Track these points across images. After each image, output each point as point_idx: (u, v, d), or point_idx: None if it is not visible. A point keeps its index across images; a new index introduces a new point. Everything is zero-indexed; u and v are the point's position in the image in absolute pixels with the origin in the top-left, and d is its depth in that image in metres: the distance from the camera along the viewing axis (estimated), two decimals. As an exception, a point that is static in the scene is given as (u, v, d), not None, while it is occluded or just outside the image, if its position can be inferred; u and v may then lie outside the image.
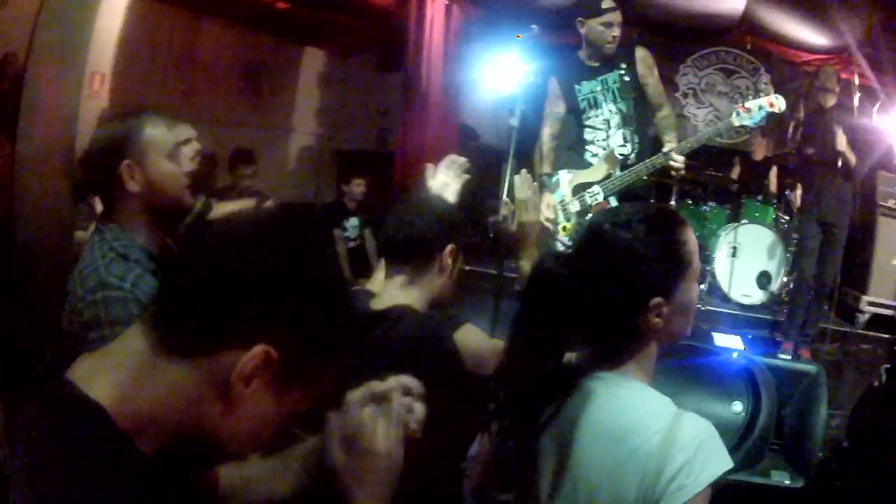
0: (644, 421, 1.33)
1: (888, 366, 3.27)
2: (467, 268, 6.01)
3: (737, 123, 3.98)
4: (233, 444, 0.99)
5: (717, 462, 1.27)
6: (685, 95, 9.36)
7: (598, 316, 1.43)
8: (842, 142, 5.32)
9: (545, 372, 1.43)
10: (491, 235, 6.82)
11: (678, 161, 3.86)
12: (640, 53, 4.22)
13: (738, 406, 2.14)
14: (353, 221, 6.64)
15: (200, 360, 0.90)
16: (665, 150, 3.94)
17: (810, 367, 2.73)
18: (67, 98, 4.80)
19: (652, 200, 7.56)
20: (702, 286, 6.52)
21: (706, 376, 2.25)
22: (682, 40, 9.37)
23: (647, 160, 3.96)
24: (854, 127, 5.56)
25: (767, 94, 8.93)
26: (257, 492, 1.28)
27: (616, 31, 4.09)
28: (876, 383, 3.24)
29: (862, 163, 5.62)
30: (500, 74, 4.42)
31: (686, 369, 2.24)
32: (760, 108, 3.90)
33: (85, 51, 5.04)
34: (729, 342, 5.48)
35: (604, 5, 4.06)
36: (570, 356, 1.52)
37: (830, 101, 5.63)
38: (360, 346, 1.58)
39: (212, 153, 5.59)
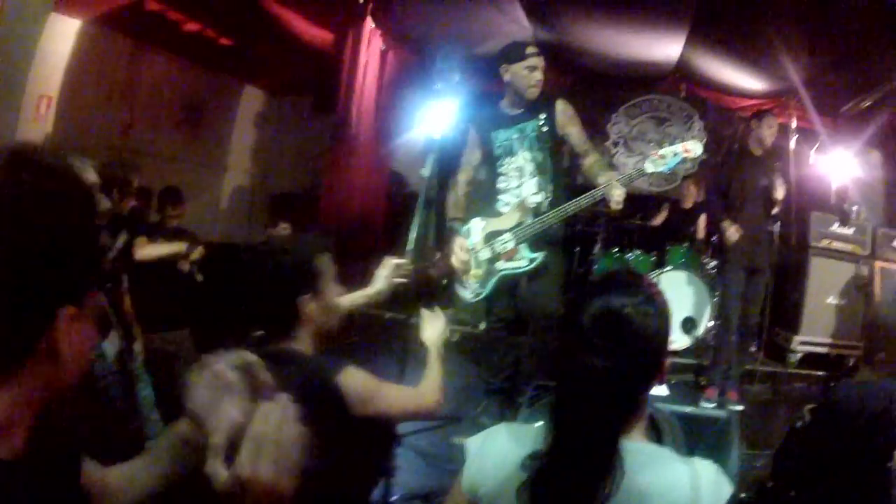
0: (670, 484, 1.47)
1: (812, 406, 3.27)
2: (388, 315, 6.00)
3: (650, 170, 4.02)
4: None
5: (725, 492, 1.46)
6: (615, 144, 9.54)
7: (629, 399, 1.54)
8: (776, 188, 5.42)
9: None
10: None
11: (617, 193, 3.90)
12: (561, 105, 4.29)
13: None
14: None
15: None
16: (612, 182, 3.96)
17: (720, 413, 2.75)
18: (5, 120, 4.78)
19: (578, 250, 7.69)
20: None
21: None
22: (615, 88, 9.54)
23: (585, 195, 4.01)
24: (784, 170, 5.62)
25: (700, 140, 9.30)
26: (133, 488, 1.32)
27: (539, 76, 4.19)
28: (799, 423, 3.23)
29: (788, 205, 5.68)
30: (430, 122, 4.45)
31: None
32: (675, 154, 3.98)
33: (26, 73, 5.04)
34: (652, 389, 5.50)
35: (527, 51, 4.18)
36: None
37: (763, 148, 5.70)
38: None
39: (148, 188, 5.57)
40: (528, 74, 4.15)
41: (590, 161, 4.27)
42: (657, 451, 1.55)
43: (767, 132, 5.65)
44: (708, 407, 5.29)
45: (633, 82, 9.45)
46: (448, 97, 4.29)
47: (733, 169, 5.81)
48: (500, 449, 1.58)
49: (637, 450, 1.47)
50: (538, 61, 4.19)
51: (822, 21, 6.51)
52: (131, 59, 6.72)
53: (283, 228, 6.55)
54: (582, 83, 9.24)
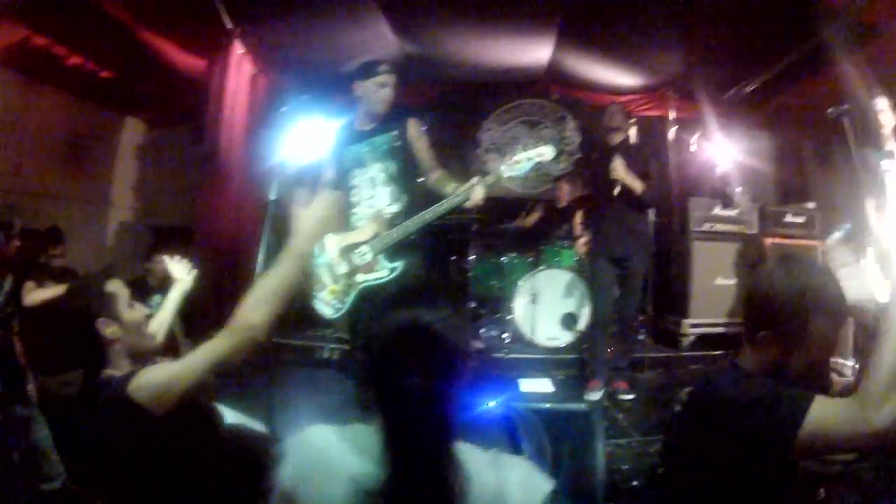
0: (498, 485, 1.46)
1: (690, 388, 3.34)
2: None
3: (505, 175, 4.12)
4: None
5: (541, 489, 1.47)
6: (487, 151, 9.63)
7: None
8: (620, 174, 5.43)
9: None
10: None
11: (479, 193, 3.98)
12: (411, 122, 4.34)
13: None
14: (157, 298, 6.36)
15: None
16: (472, 182, 4.04)
17: (581, 407, 2.78)
18: None
19: (453, 258, 7.74)
20: (504, 335, 6.71)
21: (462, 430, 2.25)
22: (486, 96, 9.64)
23: (430, 208, 4.05)
24: (648, 159, 5.70)
25: (573, 141, 9.46)
26: None
27: (388, 93, 4.26)
28: (678, 408, 3.30)
29: (655, 193, 5.72)
30: (300, 145, 4.46)
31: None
32: (529, 159, 4.12)
33: None
34: (536, 387, 5.59)
35: (379, 68, 4.25)
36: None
37: (617, 138, 5.74)
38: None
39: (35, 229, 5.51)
40: (378, 91, 4.23)
41: (434, 177, 4.35)
42: (477, 452, 1.54)
43: (612, 122, 5.73)
44: (592, 399, 5.33)
45: (504, 88, 9.56)
46: (300, 118, 4.32)
47: (595, 166, 5.88)
48: (320, 452, 1.55)
49: (465, 451, 1.50)
50: (388, 78, 4.26)
51: (699, 10, 6.65)
52: (21, 96, 6.53)
53: (158, 262, 6.43)
54: (452, 93, 9.32)
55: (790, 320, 1.91)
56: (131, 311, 2.49)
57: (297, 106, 4.25)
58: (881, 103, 4.90)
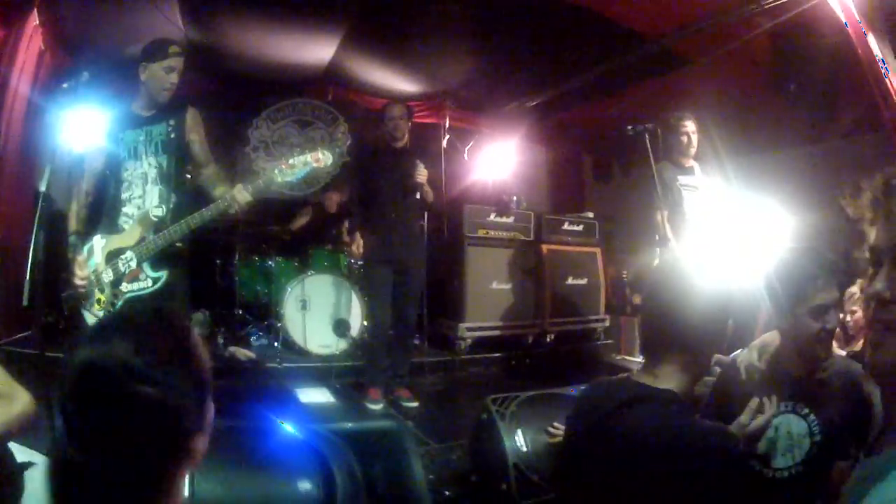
0: None
1: (494, 397, 3.24)
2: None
3: (279, 180, 3.90)
4: None
5: None
6: (255, 149, 9.32)
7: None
8: (423, 179, 5.40)
9: None
10: (66, 313, 6.18)
11: (244, 197, 3.73)
12: (191, 112, 4.08)
13: (307, 484, 1.84)
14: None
15: None
16: (238, 189, 3.77)
17: (390, 425, 2.60)
18: None
19: (218, 261, 7.35)
20: (276, 343, 6.44)
21: (266, 461, 1.94)
22: (261, 93, 9.34)
23: (197, 212, 3.75)
24: (436, 166, 5.68)
25: (343, 143, 9.36)
26: None
27: (175, 78, 3.95)
28: (484, 416, 3.19)
29: (434, 200, 5.71)
30: (75, 131, 3.97)
31: (236, 455, 1.89)
32: (306, 163, 3.94)
33: None
34: (315, 397, 5.36)
35: (170, 50, 3.94)
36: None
37: (397, 140, 5.67)
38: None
39: None
40: (165, 76, 3.90)
41: (208, 172, 4.10)
42: None
43: (391, 123, 5.64)
44: (374, 409, 5.22)
45: (281, 86, 9.32)
46: (79, 99, 3.84)
47: (370, 168, 5.75)
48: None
49: None
50: (177, 62, 3.96)
51: (491, 24, 6.73)
52: None
53: None
54: (226, 86, 8.91)
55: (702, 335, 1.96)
56: None
57: (78, 86, 3.72)
58: (689, 125, 5.14)
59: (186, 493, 1.59)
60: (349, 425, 2.67)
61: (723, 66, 6.10)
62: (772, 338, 2.50)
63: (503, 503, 2.87)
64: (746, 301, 2.52)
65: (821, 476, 2.26)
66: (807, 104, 5.42)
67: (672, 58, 6.35)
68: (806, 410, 2.36)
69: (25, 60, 6.15)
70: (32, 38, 6.21)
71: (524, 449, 2.90)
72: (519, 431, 2.94)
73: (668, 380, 1.94)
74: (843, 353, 2.70)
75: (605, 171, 10.10)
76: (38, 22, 6.22)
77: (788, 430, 2.36)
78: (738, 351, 2.56)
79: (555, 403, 3.15)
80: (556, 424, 2.84)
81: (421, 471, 2.35)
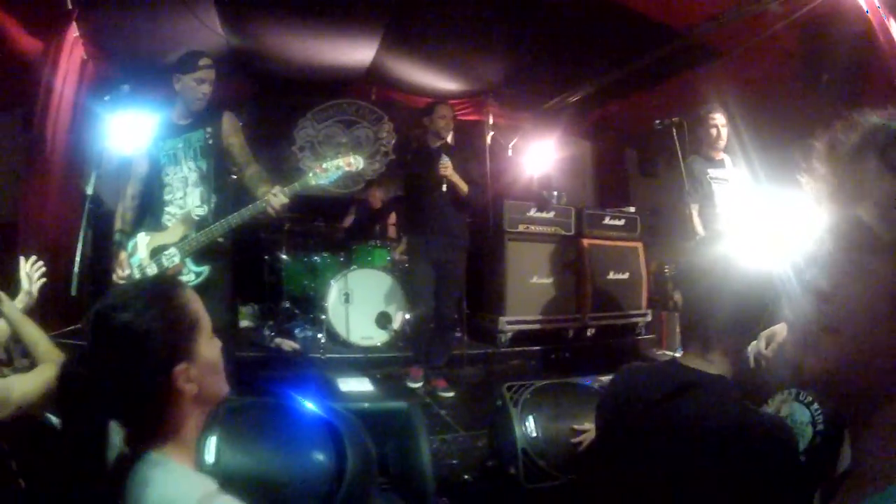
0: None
1: (510, 384, 3.37)
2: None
3: (313, 182, 4.08)
4: None
5: None
6: (302, 149, 9.62)
7: (128, 400, 1.42)
8: (448, 172, 5.50)
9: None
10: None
11: (279, 200, 3.90)
12: (227, 117, 4.25)
13: (320, 456, 2.04)
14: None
15: None
16: (273, 192, 3.94)
17: (401, 405, 2.75)
18: None
19: (266, 258, 7.59)
20: (320, 335, 6.61)
21: (282, 433, 2.15)
22: (305, 94, 9.58)
23: (237, 212, 3.96)
24: (470, 162, 5.78)
25: (389, 142, 9.56)
26: None
27: (206, 89, 4.14)
28: (499, 402, 3.32)
29: (476, 195, 5.80)
30: (119, 137, 4.25)
31: (259, 427, 2.13)
32: (338, 167, 4.12)
33: None
34: (355, 386, 5.56)
35: (200, 62, 4.12)
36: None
37: (440, 140, 5.81)
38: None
39: None
40: (197, 87, 4.10)
41: (249, 173, 4.26)
42: (179, 474, 1.42)
43: (441, 122, 5.75)
44: (413, 387, 5.46)
45: (324, 87, 9.54)
46: (121, 108, 4.12)
47: (411, 167, 5.93)
48: None
49: (156, 464, 1.40)
50: (208, 74, 4.14)
51: (525, 23, 6.85)
52: None
53: None
54: (271, 88, 9.21)
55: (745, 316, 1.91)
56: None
57: (120, 95, 4.00)
58: (718, 118, 5.18)
59: (212, 458, 1.85)
60: (366, 405, 2.86)
61: (756, 58, 6.09)
62: (781, 328, 2.59)
63: (511, 487, 2.95)
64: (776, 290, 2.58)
65: (823, 467, 2.12)
66: (837, 93, 5.40)
67: (705, 50, 6.38)
68: (809, 399, 2.38)
69: (68, 70, 6.49)
70: (73, 48, 6.54)
71: (533, 435, 2.96)
72: (530, 418, 3.01)
73: (720, 365, 1.91)
74: None
75: (649, 165, 10.09)
76: (77, 34, 6.51)
77: (791, 418, 2.42)
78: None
79: (569, 392, 3.21)
80: (583, 426, 2.87)
81: (428, 450, 2.50)
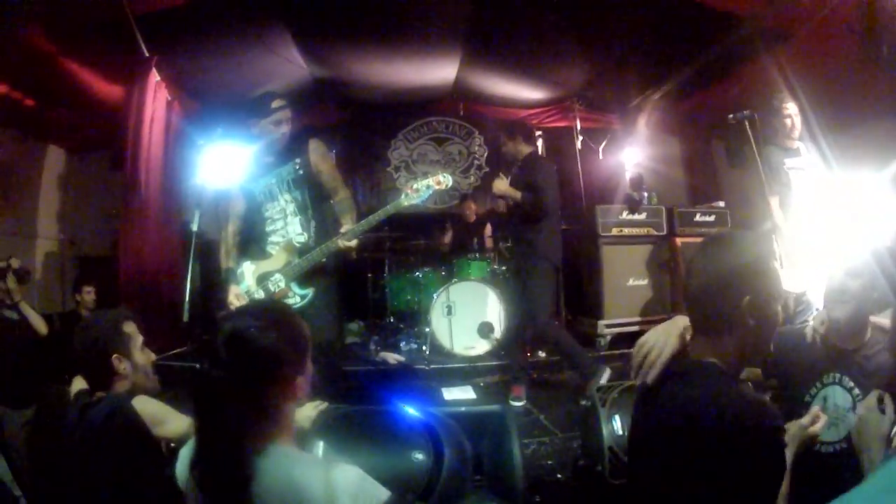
0: (302, 485, 1.59)
1: (600, 385, 3.50)
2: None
3: (405, 203, 4.20)
4: None
5: (373, 496, 1.61)
6: (397, 169, 9.87)
7: (260, 405, 1.68)
8: (500, 189, 5.60)
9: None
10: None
11: (348, 244, 4.06)
12: (313, 145, 4.35)
13: (419, 455, 2.29)
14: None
15: None
16: (342, 230, 4.13)
17: (495, 408, 2.91)
18: None
19: (370, 276, 7.96)
20: (424, 347, 6.89)
21: (384, 435, 2.41)
22: (394, 116, 9.84)
23: (322, 245, 4.13)
24: (533, 171, 5.71)
25: (482, 156, 9.79)
26: None
27: (285, 129, 4.25)
28: (589, 403, 3.45)
29: (533, 200, 5.60)
30: (203, 174, 4.46)
31: (364, 431, 2.42)
32: (428, 187, 4.21)
33: None
34: (459, 394, 5.73)
35: (273, 105, 4.21)
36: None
37: (508, 156, 5.91)
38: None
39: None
40: (275, 128, 4.22)
41: (338, 199, 4.40)
42: (299, 456, 1.73)
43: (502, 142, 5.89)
44: (517, 405, 5.44)
45: (412, 107, 9.80)
46: (213, 149, 4.32)
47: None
48: (186, 451, 1.82)
49: (280, 453, 1.67)
50: (284, 114, 4.24)
51: (600, 22, 6.92)
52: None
53: (87, 293, 6.44)
54: (361, 114, 9.54)
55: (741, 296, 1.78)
56: (142, 354, 2.74)
57: (215, 136, 4.24)
58: (791, 107, 5.18)
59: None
60: (462, 408, 3.05)
61: (821, 37, 6.01)
62: (829, 313, 2.65)
63: (599, 484, 3.08)
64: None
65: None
66: None
67: (772, 33, 6.35)
68: (851, 384, 2.49)
69: (154, 111, 6.88)
70: (157, 91, 6.92)
71: (620, 433, 3.08)
72: (617, 417, 3.13)
73: (711, 352, 1.84)
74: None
75: (736, 156, 9.94)
76: (158, 78, 6.89)
77: (835, 402, 2.50)
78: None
79: None
80: None
81: (519, 452, 2.68)
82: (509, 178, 5.69)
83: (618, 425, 3.16)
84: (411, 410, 2.50)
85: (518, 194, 5.54)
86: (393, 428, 2.47)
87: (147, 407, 2.50)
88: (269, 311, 1.86)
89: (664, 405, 1.86)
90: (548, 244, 5.65)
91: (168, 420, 2.50)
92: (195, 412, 1.70)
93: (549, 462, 4.17)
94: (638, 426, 2.07)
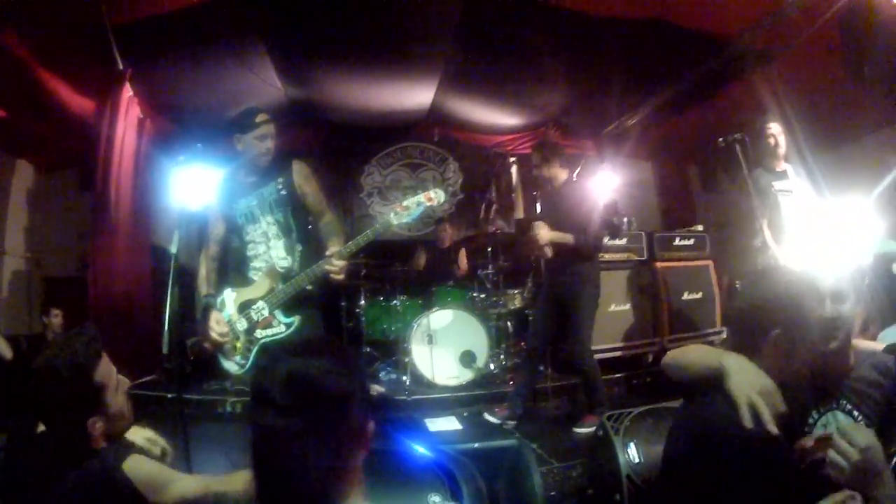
0: None
1: (609, 413, 3.39)
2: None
3: (395, 222, 4.01)
4: None
5: None
6: (370, 195, 9.79)
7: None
8: (545, 239, 5.45)
9: None
10: (191, 358, 6.72)
11: (336, 266, 3.84)
12: (297, 166, 4.19)
13: (436, 497, 2.12)
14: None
15: None
16: (327, 254, 3.91)
17: (512, 443, 2.81)
18: None
19: (344, 304, 7.73)
20: (404, 377, 6.71)
21: (403, 478, 2.24)
22: (368, 140, 9.76)
23: (308, 269, 3.93)
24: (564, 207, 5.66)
25: (455, 182, 9.58)
26: None
27: (270, 144, 4.09)
28: (601, 432, 3.36)
29: (601, 238, 5.74)
30: (179, 194, 4.31)
31: (377, 473, 2.22)
32: (419, 204, 4.03)
33: None
34: (444, 425, 5.58)
35: (257, 119, 4.06)
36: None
37: (560, 178, 5.76)
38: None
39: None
40: (259, 143, 4.04)
41: (324, 222, 4.22)
42: None
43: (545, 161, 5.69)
44: (584, 431, 5.28)
45: (387, 132, 9.71)
46: (193, 167, 4.17)
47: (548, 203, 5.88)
48: None
49: None
50: (268, 129, 4.08)
51: (579, 47, 6.91)
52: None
53: (55, 316, 6.24)
54: (334, 137, 9.41)
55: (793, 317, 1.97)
56: (118, 396, 2.28)
57: (193, 154, 4.08)
58: (774, 128, 5.15)
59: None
60: (475, 445, 2.90)
61: (803, 58, 6.04)
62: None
63: None
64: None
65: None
66: (879, 84, 5.31)
67: (754, 56, 6.33)
68: (849, 407, 2.40)
69: (126, 128, 6.70)
70: (129, 108, 6.74)
71: (636, 461, 3.00)
72: (632, 444, 3.04)
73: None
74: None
75: (712, 180, 10.02)
76: (131, 93, 6.71)
77: (837, 425, 2.36)
78: None
79: (665, 417, 3.22)
80: None
81: (540, 485, 2.55)
82: (538, 205, 5.50)
83: (633, 452, 3.06)
84: (422, 450, 2.33)
85: (569, 238, 5.42)
86: (407, 469, 2.29)
87: (142, 471, 2.11)
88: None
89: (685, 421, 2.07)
90: (596, 272, 5.70)
91: (169, 484, 2.14)
92: (258, 475, 1.44)
93: (553, 493, 4.00)
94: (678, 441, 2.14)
